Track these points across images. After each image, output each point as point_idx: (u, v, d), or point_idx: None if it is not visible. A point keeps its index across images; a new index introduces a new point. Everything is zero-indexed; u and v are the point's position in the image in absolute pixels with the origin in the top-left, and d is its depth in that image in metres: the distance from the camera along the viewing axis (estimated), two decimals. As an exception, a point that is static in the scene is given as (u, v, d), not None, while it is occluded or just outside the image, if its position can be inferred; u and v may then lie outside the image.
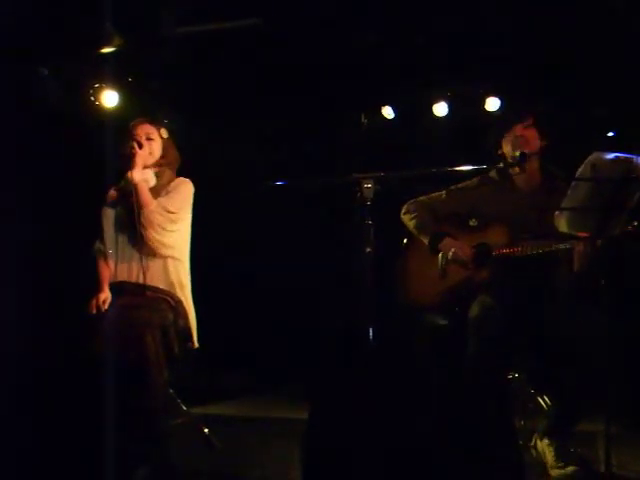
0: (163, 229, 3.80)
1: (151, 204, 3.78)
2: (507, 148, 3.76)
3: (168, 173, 3.98)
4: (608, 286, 2.97)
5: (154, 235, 3.77)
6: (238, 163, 5.86)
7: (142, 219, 3.75)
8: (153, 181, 3.88)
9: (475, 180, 3.90)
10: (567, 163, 3.30)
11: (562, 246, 3.43)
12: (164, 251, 3.82)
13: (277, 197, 5.31)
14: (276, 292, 5.98)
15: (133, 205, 3.76)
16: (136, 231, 3.76)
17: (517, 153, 3.62)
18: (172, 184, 3.93)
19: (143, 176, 3.83)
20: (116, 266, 3.84)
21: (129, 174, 3.80)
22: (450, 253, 3.73)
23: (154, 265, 3.82)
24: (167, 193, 3.89)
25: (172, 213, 3.83)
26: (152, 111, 4.69)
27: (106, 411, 3.16)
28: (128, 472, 3.35)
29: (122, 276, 3.82)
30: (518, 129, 3.73)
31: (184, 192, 3.93)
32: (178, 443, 3.80)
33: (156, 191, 3.87)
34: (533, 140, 3.72)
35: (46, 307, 4.79)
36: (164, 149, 3.99)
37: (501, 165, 3.79)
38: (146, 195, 3.79)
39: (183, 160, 4.07)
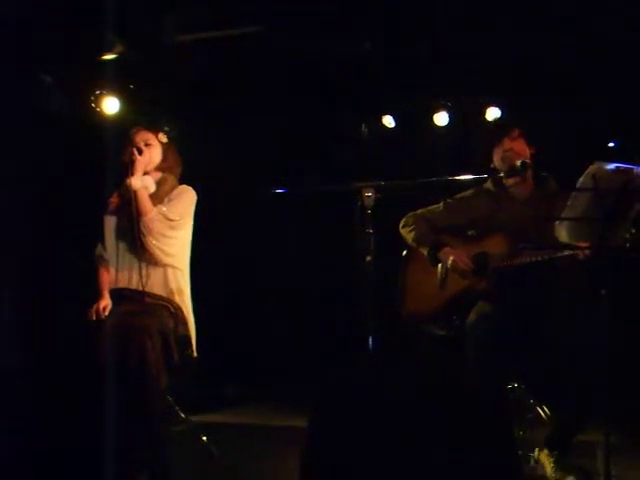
0: (163, 236, 3.79)
1: (150, 211, 3.78)
2: (498, 161, 3.78)
3: (170, 180, 3.97)
4: (608, 296, 2.97)
5: (153, 242, 3.77)
6: (238, 171, 5.85)
7: (141, 226, 3.75)
8: (153, 188, 3.87)
9: (471, 191, 3.92)
10: (568, 173, 3.31)
11: (561, 254, 3.43)
12: (164, 259, 3.81)
13: (278, 205, 5.32)
14: (276, 300, 5.98)
15: (137, 215, 3.76)
16: (136, 238, 3.77)
17: (519, 163, 3.65)
18: (174, 192, 3.93)
19: (142, 183, 3.82)
20: (116, 273, 3.84)
21: (128, 181, 3.79)
22: (449, 262, 3.74)
23: (154, 273, 3.82)
24: (169, 200, 3.88)
25: (172, 220, 3.82)
26: (152, 118, 4.69)
27: (106, 417, 3.15)
28: (127, 479, 3.35)
29: (122, 283, 3.82)
30: (507, 142, 3.75)
31: (185, 200, 3.92)
32: (176, 450, 3.79)
33: (158, 198, 3.87)
34: (522, 151, 3.74)
35: (46, 314, 4.78)
36: (164, 154, 3.98)
37: (501, 175, 3.80)
38: (145, 202, 3.78)
39: (183, 167, 4.06)
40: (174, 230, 3.85)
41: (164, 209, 3.83)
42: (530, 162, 3.71)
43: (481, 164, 3.88)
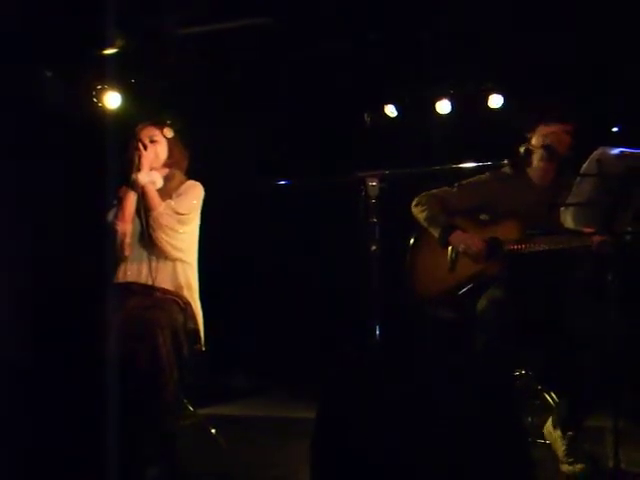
0: (173, 231, 3.80)
1: (159, 206, 3.78)
2: (538, 139, 3.72)
3: (178, 175, 3.99)
4: (617, 282, 2.96)
5: (163, 237, 3.77)
6: (241, 163, 5.85)
7: (151, 221, 3.76)
8: (160, 182, 3.88)
9: (487, 175, 3.89)
10: (572, 158, 3.30)
11: (575, 244, 3.42)
12: (174, 253, 3.82)
13: (282, 196, 5.32)
14: (281, 291, 5.98)
15: (144, 210, 3.79)
16: (145, 233, 3.78)
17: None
18: (182, 187, 3.93)
19: (150, 178, 3.83)
20: (125, 265, 3.84)
21: (135, 176, 3.79)
22: (461, 246, 3.73)
23: (163, 267, 3.82)
24: (178, 196, 3.89)
25: (181, 215, 3.83)
26: (155, 112, 4.69)
27: (112, 411, 3.16)
28: (136, 473, 3.36)
29: (131, 277, 3.82)
30: (560, 128, 3.70)
31: (194, 194, 3.93)
32: (185, 444, 3.80)
33: (166, 193, 3.89)
34: (566, 142, 3.70)
35: (54, 307, 4.79)
36: (169, 149, 3.99)
37: (505, 162, 3.78)
38: (154, 197, 3.79)
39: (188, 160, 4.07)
40: (183, 225, 3.85)
41: (173, 203, 3.83)
42: (562, 153, 3.67)
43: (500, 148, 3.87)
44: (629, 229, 3.06)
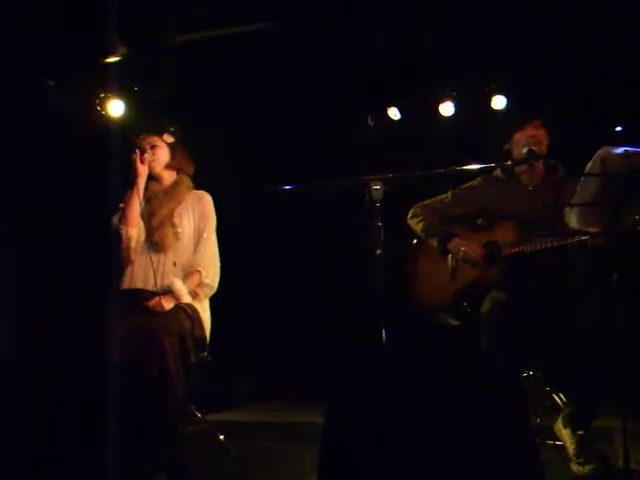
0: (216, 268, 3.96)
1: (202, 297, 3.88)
2: (517, 147, 3.76)
3: (186, 180, 4.03)
4: (621, 281, 2.95)
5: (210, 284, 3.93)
6: (244, 168, 5.86)
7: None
8: (184, 289, 3.84)
9: (479, 180, 3.92)
10: (576, 158, 3.30)
11: (571, 240, 3.42)
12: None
13: (286, 201, 5.32)
14: (287, 296, 5.97)
15: (151, 215, 3.87)
16: (153, 239, 3.83)
17: (525, 150, 3.64)
18: (200, 207, 3.98)
19: (175, 288, 3.81)
20: (132, 272, 3.85)
21: (159, 303, 3.75)
22: (460, 253, 3.74)
23: (171, 274, 3.83)
24: (199, 215, 3.95)
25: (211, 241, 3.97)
26: (158, 119, 4.70)
27: (119, 418, 3.16)
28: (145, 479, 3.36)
29: (138, 283, 3.83)
30: (530, 130, 3.73)
31: (212, 214, 3.99)
32: (193, 450, 3.80)
33: (174, 199, 3.95)
34: (544, 140, 3.73)
35: (60, 314, 4.79)
36: (172, 153, 4.00)
37: (509, 163, 3.79)
38: (190, 295, 3.82)
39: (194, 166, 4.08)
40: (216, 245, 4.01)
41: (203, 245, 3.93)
42: (543, 151, 3.70)
43: (496, 148, 3.89)
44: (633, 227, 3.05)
